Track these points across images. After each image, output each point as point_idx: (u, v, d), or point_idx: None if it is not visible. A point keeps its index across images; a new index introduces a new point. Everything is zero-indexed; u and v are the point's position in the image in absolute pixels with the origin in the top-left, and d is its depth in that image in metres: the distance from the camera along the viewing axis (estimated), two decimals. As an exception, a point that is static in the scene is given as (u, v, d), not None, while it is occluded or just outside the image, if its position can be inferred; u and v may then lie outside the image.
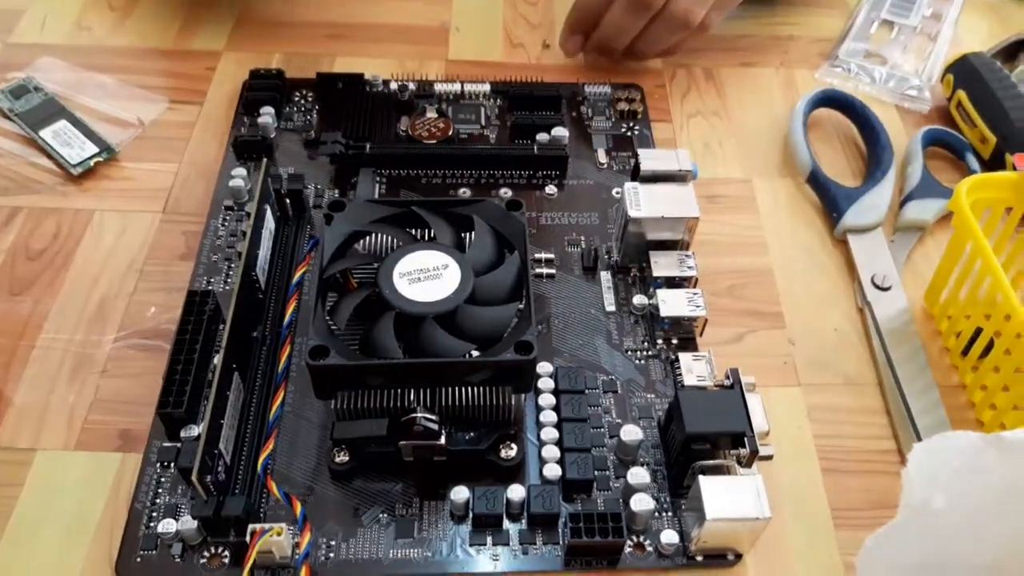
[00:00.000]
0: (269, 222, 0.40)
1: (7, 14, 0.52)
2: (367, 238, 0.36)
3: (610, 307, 0.40)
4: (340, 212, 0.36)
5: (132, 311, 0.39)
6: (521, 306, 0.34)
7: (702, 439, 0.32)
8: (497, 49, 0.54)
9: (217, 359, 0.34)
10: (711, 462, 0.32)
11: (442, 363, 0.31)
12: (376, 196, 0.43)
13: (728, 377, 0.34)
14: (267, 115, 0.46)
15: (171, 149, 0.46)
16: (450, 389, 0.33)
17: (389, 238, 0.36)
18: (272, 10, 0.53)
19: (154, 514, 0.32)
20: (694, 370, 0.36)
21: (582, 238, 0.43)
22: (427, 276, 0.34)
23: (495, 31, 0.55)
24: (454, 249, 0.35)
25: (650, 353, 0.38)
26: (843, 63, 0.53)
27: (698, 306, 0.38)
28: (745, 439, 0.32)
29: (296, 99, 0.48)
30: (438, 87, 0.49)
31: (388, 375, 0.31)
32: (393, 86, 0.49)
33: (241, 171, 0.43)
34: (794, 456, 0.36)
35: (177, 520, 0.32)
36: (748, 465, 0.32)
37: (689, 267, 0.39)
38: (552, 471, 0.33)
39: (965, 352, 0.39)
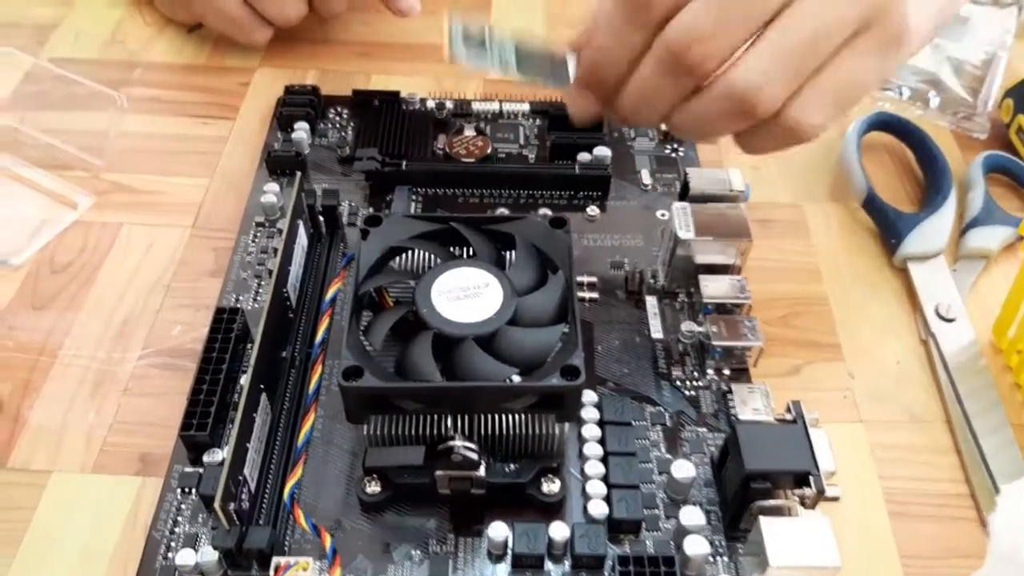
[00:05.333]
0: (302, 238, 0.38)
1: (40, 29, 0.52)
2: (404, 254, 0.35)
3: (657, 334, 0.38)
4: (377, 227, 0.34)
5: (157, 328, 0.38)
6: (566, 329, 0.32)
7: (762, 477, 0.30)
8: (536, 69, 0.52)
9: (244, 379, 0.32)
10: (771, 503, 0.30)
11: (482, 388, 0.29)
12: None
13: (789, 411, 0.31)
14: (301, 131, 0.45)
15: (203, 164, 0.45)
16: (489, 416, 0.30)
17: (427, 255, 0.34)
18: (307, 27, 0.52)
19: (172, 544, 0.30)
20: (749, 403, 0.34)
21: (626, 260, 0.41)
22: (467, 295, 0.32)
23: (534, 51, 0.53)
24: (495, 267, 0.33)
25: (700, 384, 0.36)
26: (894, 86, 0.51)
27: (753, 335, 0.35)
28: (810, 478, 0.29)
29: (331, 116, 0.47)
30: (476, 106, 0.48)
31: (425, 399, 0.29)
32: (430, 104, 0.47)
33: (273, 187, 0.42)
34: (858, 498, 0.33)
35: (197, 551, 0.30)
36: (812, 507, 0.30)
37: (742, 293, 0.37)
38: (598, 509, 0.31)
39: (1040, 389, 0.36)
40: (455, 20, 0.37)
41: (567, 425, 0.31)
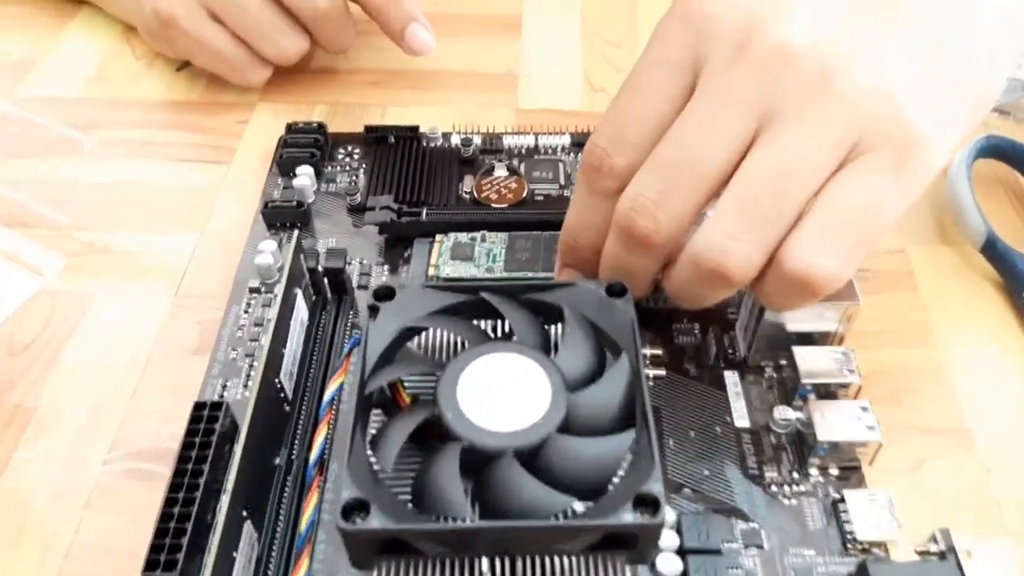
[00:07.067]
0: (301, 310, 0.31)
1: (21, 64, 0.46)
2: (423, 335, 0.28)
3: (742, 421, 0.30)
4: (389, 302, 0.27)
5: (128, 423, 0.31)
6: (635, 436, 0.24)
7: (909, 639, 0.22)
8: (576, 95, 0.46)
9: (225, 500, 0.25)
10: (918, 670, 0.22)
11: (529, 528, 0.22)
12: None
13: (935, 540, 0.24)
14: (305, 176, 0.38)
15: (190, 218, 0.38)
16: (538, 559, 0.23)
17: (452, 336, 0.27)
18: (314, 56, 0.45)
19: None
20: (869, 516, 0.26)
21: (696, 326, 0.33)
22: (504, 391, 0.25)
23: (573, 75, 0.47)
24: (539, 352, 0.26)
25: (802, 489, 0.28)
26: (999, 104, 0.44)
27: (870, 427, 0.28)
28: (975, 642, 0.22)
29: (340, 157, 0.41)
30: (508, 140, 0.41)
31: (452, 543, 0.22)
32: (455, 140, 0.41)
33: (270, 244, 0.35)
34: (1016, 644, 0.26)
35: None
36: None
37: (849, 370, 0.29)
38: (684, 677, 0.23)
39: None
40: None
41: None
